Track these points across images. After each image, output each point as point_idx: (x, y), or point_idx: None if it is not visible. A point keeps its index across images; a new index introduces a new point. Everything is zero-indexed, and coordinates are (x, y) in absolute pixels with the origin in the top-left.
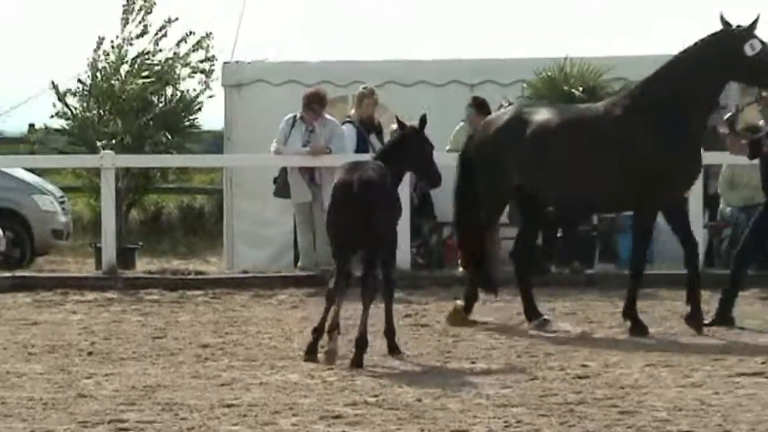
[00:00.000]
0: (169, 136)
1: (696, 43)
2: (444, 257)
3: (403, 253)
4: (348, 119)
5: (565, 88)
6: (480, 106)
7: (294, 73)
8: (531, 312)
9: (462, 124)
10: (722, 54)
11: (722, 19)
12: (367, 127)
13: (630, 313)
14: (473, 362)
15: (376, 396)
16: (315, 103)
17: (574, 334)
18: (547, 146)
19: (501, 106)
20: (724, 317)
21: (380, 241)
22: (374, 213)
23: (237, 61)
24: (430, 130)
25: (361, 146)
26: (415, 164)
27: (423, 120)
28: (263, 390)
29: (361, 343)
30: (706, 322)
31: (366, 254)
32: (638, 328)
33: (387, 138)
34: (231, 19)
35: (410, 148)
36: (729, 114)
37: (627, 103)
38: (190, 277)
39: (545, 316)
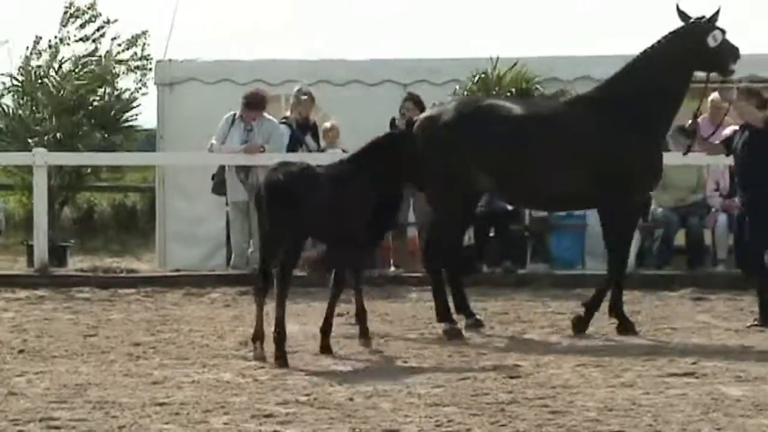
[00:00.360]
0: (105, 135)
1: (660, 40)
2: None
3: None
4: (284, 119)
5: (497, 89)
6: (417, 101)
7: (227, 72)
8: (464, 310)
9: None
10: (688, 48)
11: (679, 10)
12: (302, 127)
13: (616, 311)
14: (405, 361)
15: (307, 395)
16: (253, 103)
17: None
18: (518, 144)
19: (433, 105)
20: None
21: (285, 242)
22: (274, 215)
23: (170, 60)
24: (363, 129)
25: (296, 146)
26: (402, 167)
27: (410, 122)
28: (195, 388)
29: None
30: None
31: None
32: (627, 326)
33: (322, 137)
34: (165, 19)
35: (396, 149)
36: (688, 123)
37: (594, 100)
38: (122, 275)
39: (477, 316)
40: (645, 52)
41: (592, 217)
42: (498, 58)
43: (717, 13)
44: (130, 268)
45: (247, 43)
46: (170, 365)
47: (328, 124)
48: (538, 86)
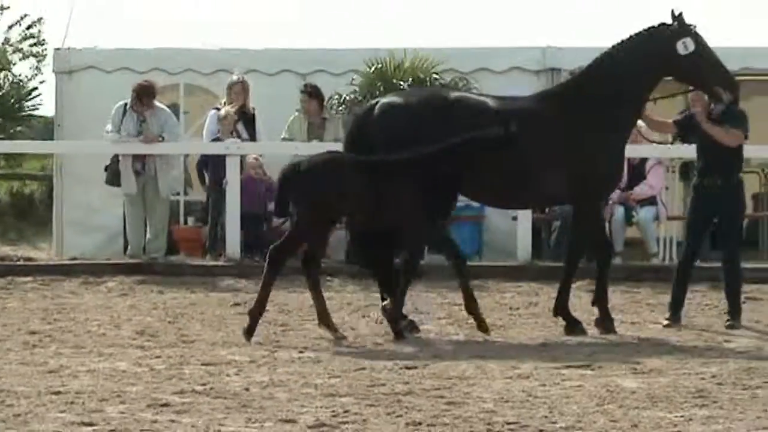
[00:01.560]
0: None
1: (629, 39)
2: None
3: (233, 242)
4: (217, 107)
5: (394, 81)
6: (312, 92)
7: (126, 61)
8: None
9: (297, 114)
10: (655, 51)
11: (673, 14)
12: (235, 116)
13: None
14: (302, 351)
15: (204, 384)
16: (144, 95)
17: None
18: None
19: (331, 98)
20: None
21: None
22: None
23: (68, 48)
24: (261, 118)
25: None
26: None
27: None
28: (91, 377)
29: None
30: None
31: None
32: (607, 323)
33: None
34: (61, 6)
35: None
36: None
37: (561, 99)
38: (19, 263)
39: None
40: (612, 50)
41: (490, 209)
42: (398, 49)
43: (680, 16)
44: (27, 256)
45: (146, 31)
46: (66, 354)
47: (222, 113)
48: (436, 76)
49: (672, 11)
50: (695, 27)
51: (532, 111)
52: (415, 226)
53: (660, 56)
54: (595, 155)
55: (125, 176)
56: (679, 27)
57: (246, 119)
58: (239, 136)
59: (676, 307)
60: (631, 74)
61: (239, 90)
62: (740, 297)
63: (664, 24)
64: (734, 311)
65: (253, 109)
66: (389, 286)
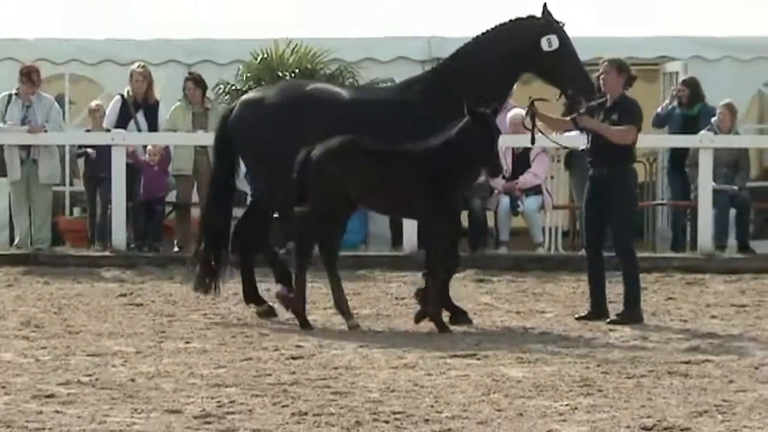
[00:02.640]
0: None
1: (491, 30)
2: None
3: (119, 233)
4: (121, 94)
5: (280, 72)
6: (197, 81)
7: (11, 51)
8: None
9: (179, 103)
10: (517, 45)
11: (544, 8)
12: (135, 105)
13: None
14: (188, 342)
15: (89, 375)
16: (33, 73)
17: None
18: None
19: (217, 85)
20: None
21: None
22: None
23: None
24: None
25: (123, 122)
26: (478, 152)
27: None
28: None
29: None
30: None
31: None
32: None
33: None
34: None
35: (475, 134)
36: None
37: (422, 93)
38: None
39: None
40: (473, 42)
41: None
42: (284, 39)
43: (548, 12)
44: None
45: (30, 21)
46: None
47: (93, 104)
48: (321, 67)
49: (544, 5)
50: (563, 24)
51: (389, 101)
52: (435, 217)
53: (522, 49)
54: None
55: (10, 164)
56: (546, 22)
57: (147, 107)
58: (137, 126)
59: (595, 301)
60: (491, 64)
61: (140, 78)
62: (637, 287)
63: (532, 17)
64: (631, 302)
65: (158, 98)
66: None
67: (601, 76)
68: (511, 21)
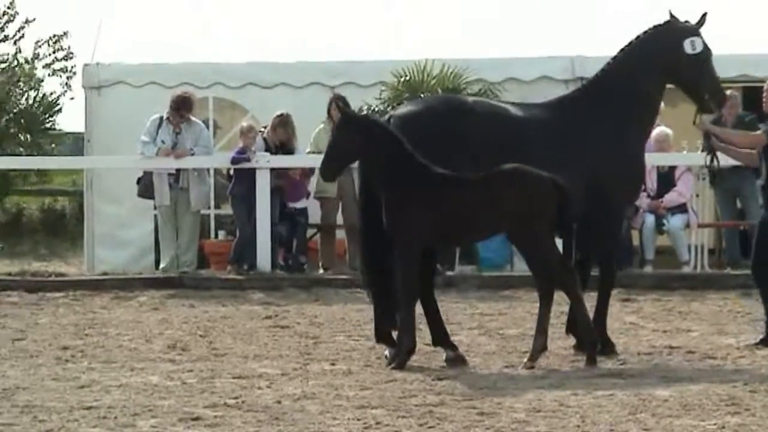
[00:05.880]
0: (28, 137)
1: (635, 41)
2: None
3: (264, 255)
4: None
5: (422, 93)
6: (343, 103)
7: (155, 75)
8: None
9: (322, 125)
10: (663, 51)
11: (671, 15)
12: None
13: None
14: (333, 364)
15: (235, 398)
16: (183, 108)
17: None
18: (511, 147)
19: (360, 109)
20: None
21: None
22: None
23: (97, 63)
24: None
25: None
26: None
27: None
28: (122, 392)
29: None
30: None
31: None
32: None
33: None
34: (88, 20)
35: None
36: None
37: (581, 105)
38: (50, 279)
39: None
40: (622, 51)
41: None
42: (427, 60)
43: (703, 17)
44: (59, 271)
45: (174, 46)
46: (98, 369)
47: (245, 125)
48: (463, 87)
49: (670, 12)
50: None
51: (547, 117)
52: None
53: (668, 55)
54: (614, 157)
55: (159, 188)
56: (689, 25)
57: (285, 152)
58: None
59: None
60: (644, 74)
61: (278, 123)
62: None
63: (669, 21)
64: None
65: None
66: (384, 299)
67: (765, 95)
68: (650, 29)
